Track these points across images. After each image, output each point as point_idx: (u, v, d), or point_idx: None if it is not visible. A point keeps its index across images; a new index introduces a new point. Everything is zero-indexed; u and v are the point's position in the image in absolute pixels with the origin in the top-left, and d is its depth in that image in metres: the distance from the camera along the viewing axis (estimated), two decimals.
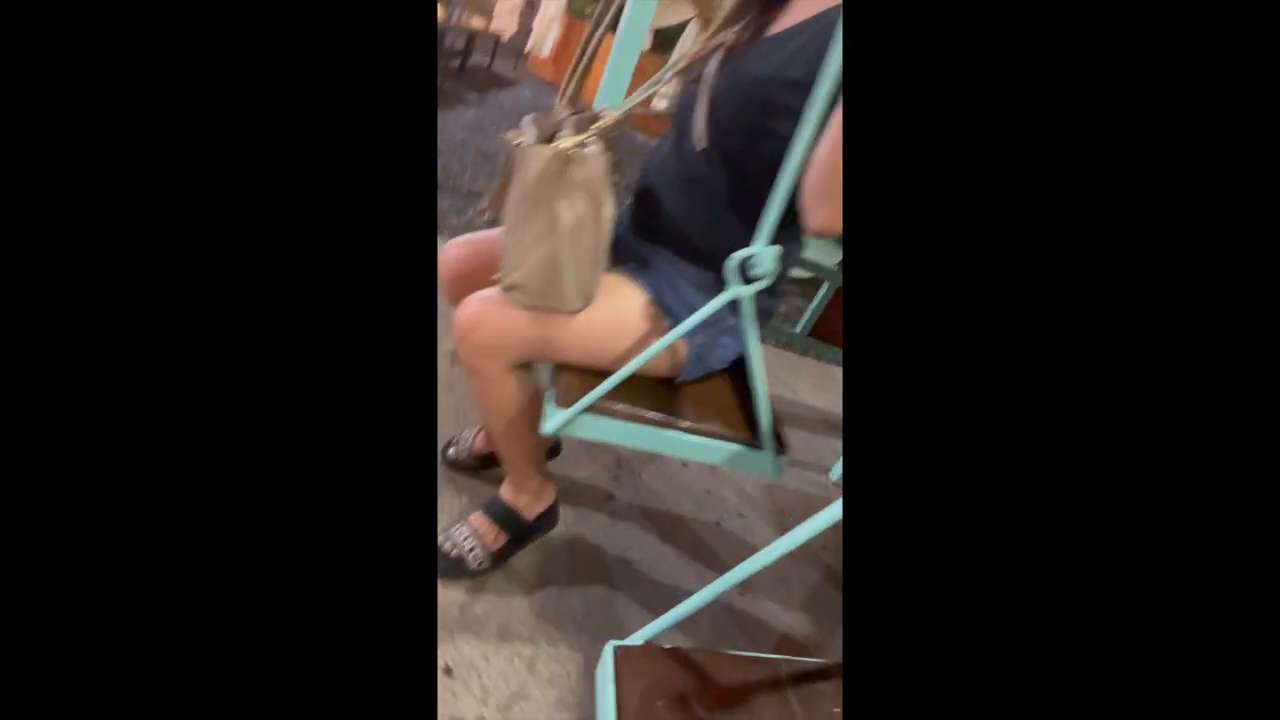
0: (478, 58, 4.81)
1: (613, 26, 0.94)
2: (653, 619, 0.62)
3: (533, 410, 0.93)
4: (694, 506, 1.47)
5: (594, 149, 0.76)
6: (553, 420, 0.84)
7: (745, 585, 1.39)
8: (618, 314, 0.87)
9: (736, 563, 1.28)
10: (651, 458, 1.54)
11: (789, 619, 1.27)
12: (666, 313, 0.88)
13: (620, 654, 0.57)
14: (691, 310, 0.80)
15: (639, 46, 1.50)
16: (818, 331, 1.68)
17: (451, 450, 1.26)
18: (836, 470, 1.80)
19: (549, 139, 0.79)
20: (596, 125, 0.78)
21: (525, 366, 0.91)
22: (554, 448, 1.37)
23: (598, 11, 0.94)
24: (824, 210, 0.70)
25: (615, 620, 1.12)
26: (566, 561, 1.18)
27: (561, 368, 0.90)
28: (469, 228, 2.21)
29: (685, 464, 1.57)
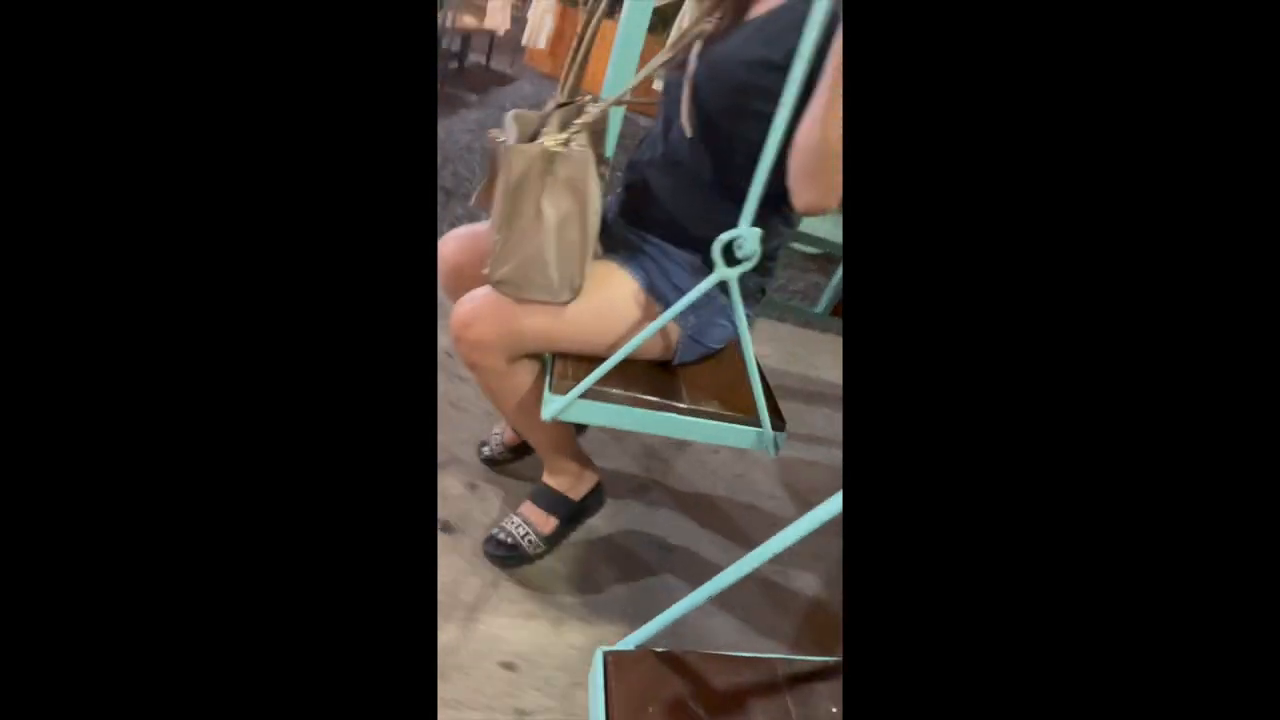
0: (474, 57, 4.80)
1: (609, 12, 0.93)
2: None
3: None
4: (727, 491, 1.47)
5: (578, 145, 0.77)
6: (549, 407, 0.86)
7: (777, 556, 1.38)
8: (609, 302, 0.89)
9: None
10: (680, 445, 1.54)
11: (819, 589, 1.27)
12: (658, 298, 0.89)
13: (611, 660, 0.55)
14: (684, 294, 0.80)
15: (643, 32, 1.47)
16: (840, 311, 1.68)
17: (486, 449, 1.28)
18: None
19: (533, 135, 0.81)
20: (580, 121, 0.80)
21: (530, 356, 0.94)
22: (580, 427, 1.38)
23: None
24: (809, 190, 0.72)
25: (659, 606, 1.12)
26: (607, 552, 1.19)
27: (557, 356, 0.91)
28: None
29: (716, 450, 1.57)
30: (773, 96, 0.66)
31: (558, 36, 5.07)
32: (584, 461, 1.11)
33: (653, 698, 0.53)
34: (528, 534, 1.08)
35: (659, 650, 0.57)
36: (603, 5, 0.91)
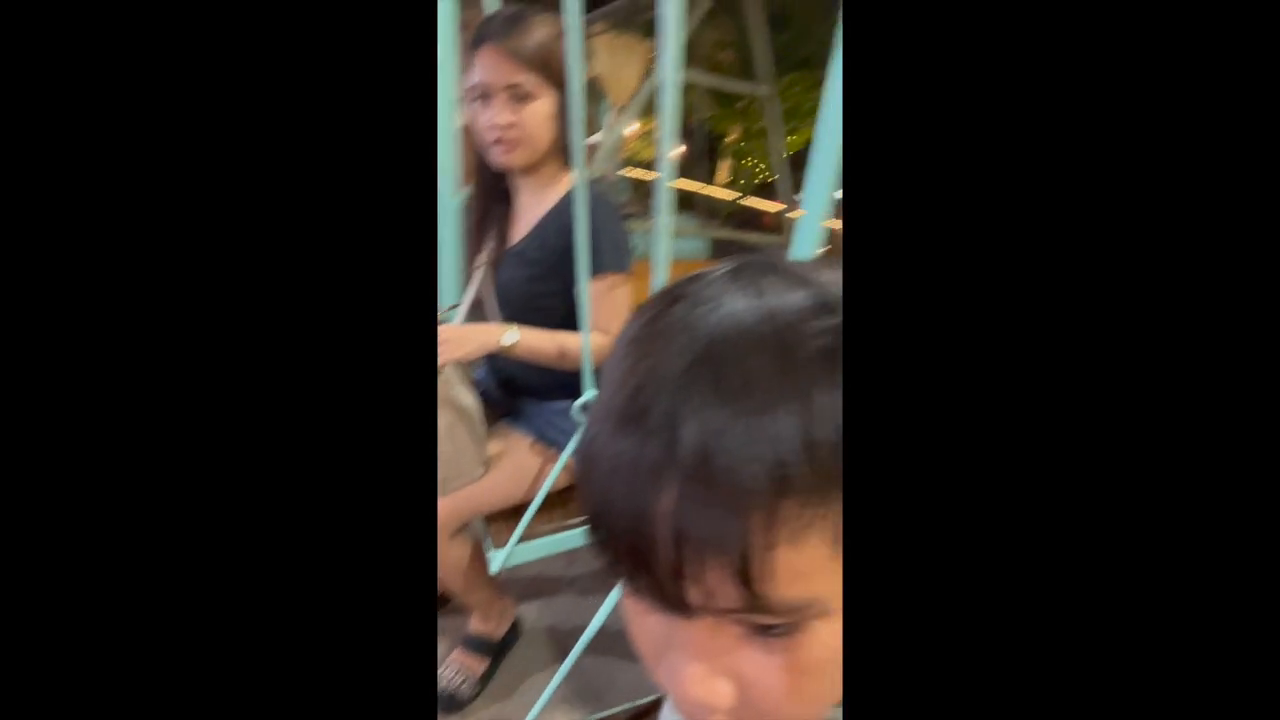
0: None
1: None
2: None
3: (477, 558, 1.13)
4: None
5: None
6: (496, 560, 1.05)
7: None
8: (514, 462, 1.11)
9: None
10: None
11: None
12: (550, 444, 1.11)
13: None
14: (568, 434, 1.03)
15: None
16: None
17: None
18: None
19: None
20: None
21: (461, 527, 1.11)
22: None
23: None
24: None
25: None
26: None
27: (490, 518, 1.12)
28: None
29: None
30: (558, 294, 0.98)
31: None
32: (505, 604, 1.28)
33: None
34: (464, 680, 1.21)
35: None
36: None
